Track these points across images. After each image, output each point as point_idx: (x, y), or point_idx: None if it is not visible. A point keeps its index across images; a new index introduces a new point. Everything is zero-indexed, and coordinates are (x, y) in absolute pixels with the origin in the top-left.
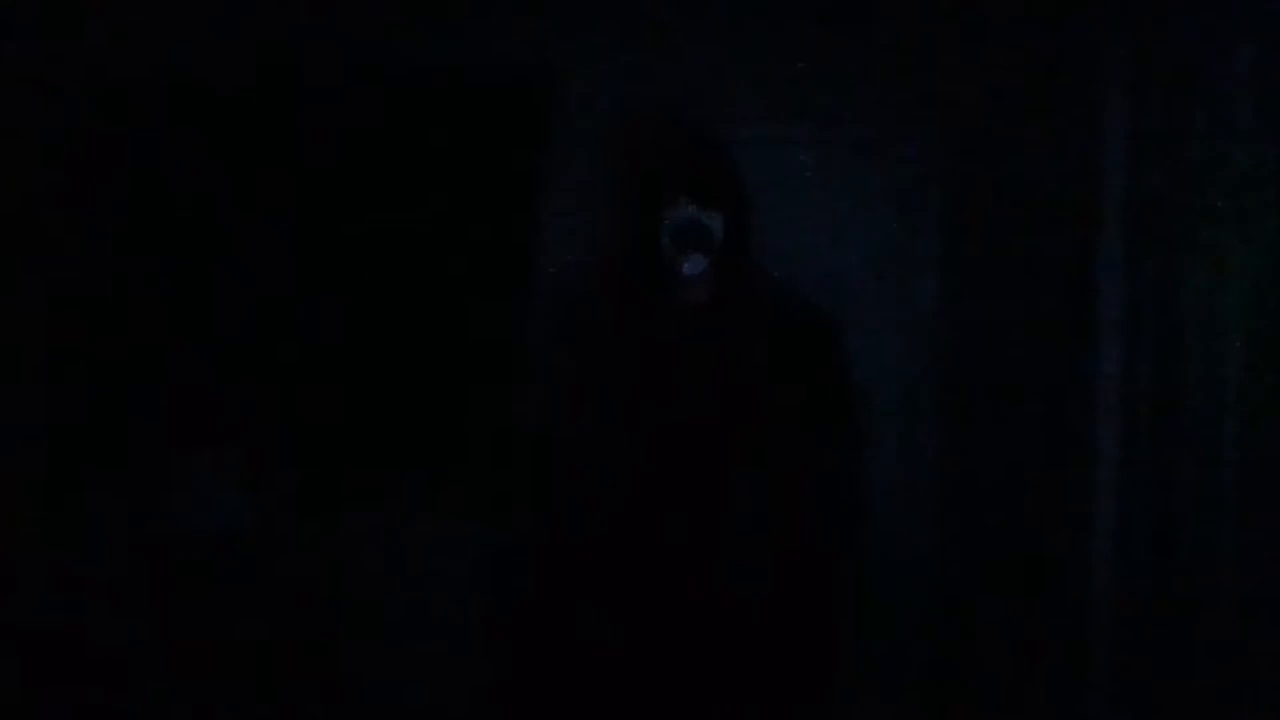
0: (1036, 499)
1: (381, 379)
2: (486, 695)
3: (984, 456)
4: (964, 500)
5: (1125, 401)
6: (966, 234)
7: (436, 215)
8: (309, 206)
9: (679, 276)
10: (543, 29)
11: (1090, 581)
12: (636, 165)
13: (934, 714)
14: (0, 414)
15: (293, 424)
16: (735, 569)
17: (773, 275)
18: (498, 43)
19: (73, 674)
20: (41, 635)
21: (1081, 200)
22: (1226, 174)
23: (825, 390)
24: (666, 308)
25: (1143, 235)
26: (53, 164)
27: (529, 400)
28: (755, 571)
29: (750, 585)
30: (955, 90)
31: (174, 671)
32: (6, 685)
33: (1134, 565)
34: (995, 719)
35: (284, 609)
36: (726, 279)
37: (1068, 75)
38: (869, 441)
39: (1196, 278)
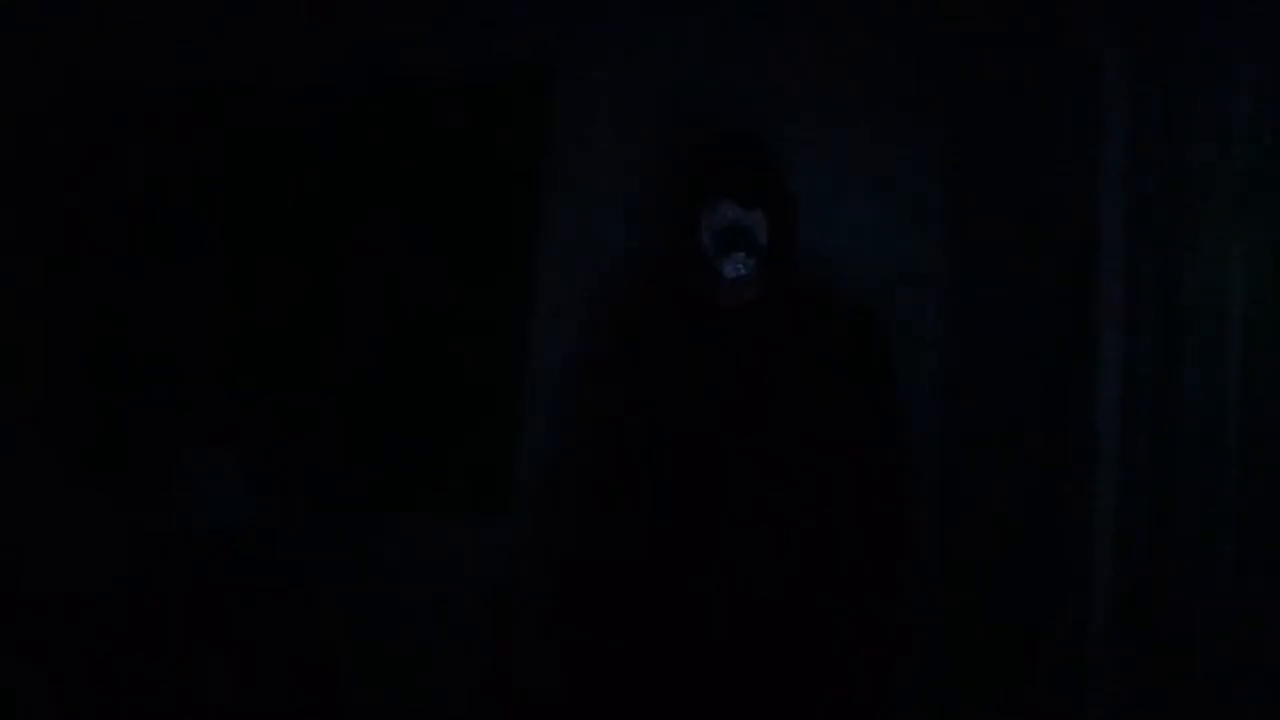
0: (1036, 498)
1: (383, 378)
2: (491, 694)
3: (984, 456)
4: (963, 500)
5: (1125, 400)
6: (966, 234)
7: (437, 215)
8: (309, 207)
9: (722, 278)
10: (542, 29)
11: (1090, 580)
12: (675, 166)
13: (933, 714)
14: (1, 413)
15: (294, 422)
16: (783, 572)
17: (817, 274)
18: (498, 43)
19: (73, 673)
20: (41, 634)
21: (1081, 200)
22: (1226, 174)
23: (874, 391)
24: (713, 310)
25: (1143, 235)
26: (55, 163)
27: (537, 402)
28: (803, 573)
29: (797, 587)
30: (955, 91)
31: (174, 670)
32: (7, 685)
33: (1134, 565)
34: (995, 719)
35: (285, 608)
36: (773, 280)
37: (1068, 76)
38: (909, 444)
39: (1196, 278)
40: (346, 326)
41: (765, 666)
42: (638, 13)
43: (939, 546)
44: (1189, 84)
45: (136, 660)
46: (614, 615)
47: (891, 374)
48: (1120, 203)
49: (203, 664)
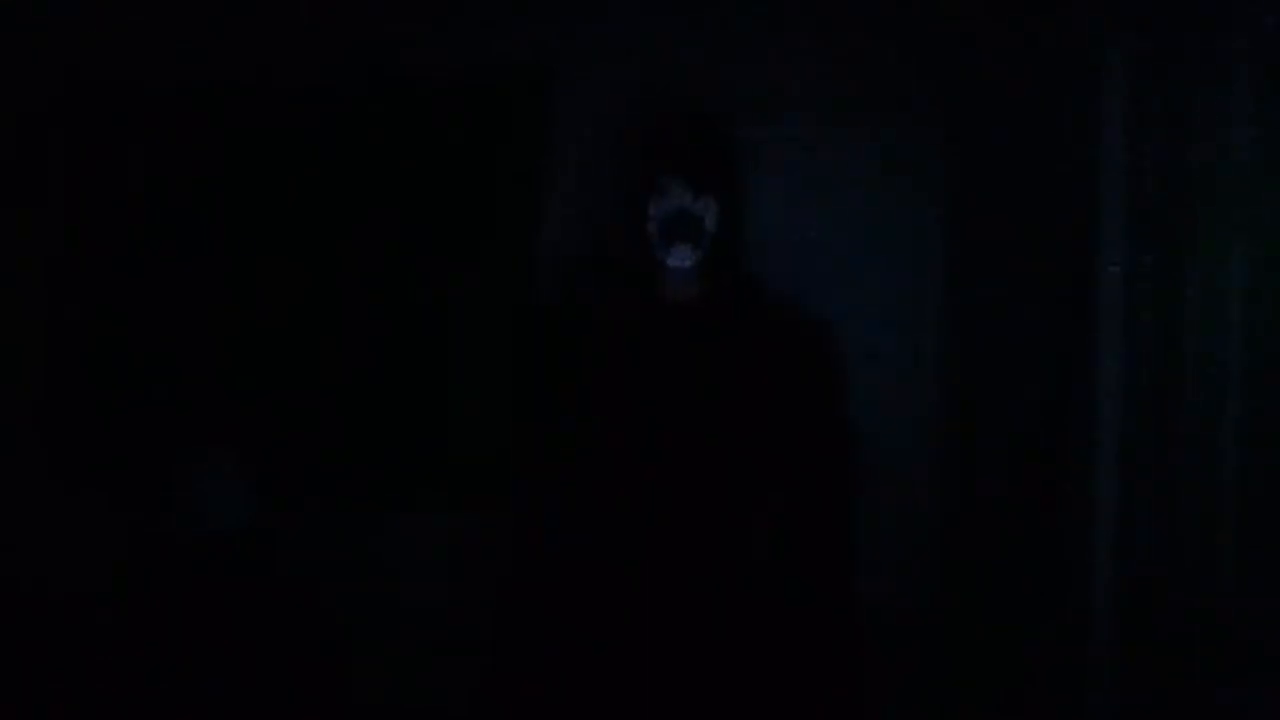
0: (1036, 499)
1: (383, 378)
2: (486, 696)
3: (984, 455)
4: (963, 500)
5: (1125, 400)
6: (966, 233)
7: (437, 215)
8: (309, 207)
9: (665, 269)
10: (542, 29)
11: (1090, 580)
12: (626, 149)
13: (933, 714)
14: (1, 413)
15: (294, 423)
16: (728, 576)
17: (764, 277)
18: (498, 43)
19: (73, 673)
20: (41, 634)
21: (1081, 200)
22: (1226, 174)
23: (819, 395)
24: (654, 304)
25: (1143, 235)
26: (55, 163)
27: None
28: (749, 579)
29: (745, 593)
30: (955, 91)
31: (174, 671)
32: (7, 686)
33: (1135, 566)
34: (995, 719)
35: (285, 609)
36: (718, 274)
37: (1068, 76)
38: (861, 448)
39: (1196, 278)
40: (346, 326)
41: (707, 671)
42: (638, 13)
43: (939, 546)
44: (1189, 84)
45: (137, 661)
46: (559, 614)
47: (834, 379)
48: (1120, 203)
49: (203, 665)
